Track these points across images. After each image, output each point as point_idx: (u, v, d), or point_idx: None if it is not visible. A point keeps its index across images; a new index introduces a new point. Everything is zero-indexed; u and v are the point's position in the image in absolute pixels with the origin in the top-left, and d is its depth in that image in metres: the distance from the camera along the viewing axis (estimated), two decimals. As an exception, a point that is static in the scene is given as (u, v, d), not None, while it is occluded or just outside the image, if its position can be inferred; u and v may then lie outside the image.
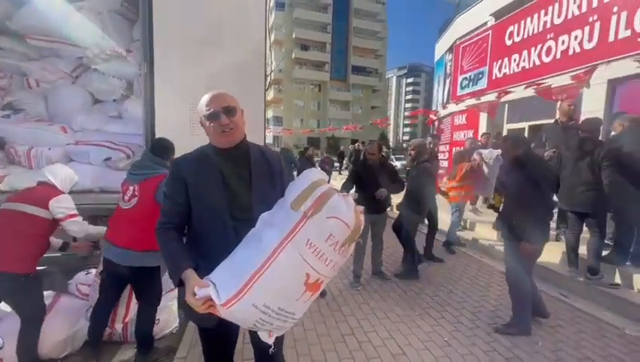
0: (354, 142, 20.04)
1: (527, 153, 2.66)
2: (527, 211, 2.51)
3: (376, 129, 43.32)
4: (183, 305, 1.17)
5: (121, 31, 3.83)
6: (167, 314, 2.66)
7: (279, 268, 1.06)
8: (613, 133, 3.77)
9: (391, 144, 45.60)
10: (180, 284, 1.15)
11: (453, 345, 2.48)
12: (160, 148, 2.35)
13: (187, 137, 3.50)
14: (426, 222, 4.39)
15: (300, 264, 1.09)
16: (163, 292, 2.64)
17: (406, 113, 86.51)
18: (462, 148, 6.62)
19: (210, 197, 1.27)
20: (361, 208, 1.22)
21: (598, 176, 3.04)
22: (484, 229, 5.37)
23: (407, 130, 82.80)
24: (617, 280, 3.33)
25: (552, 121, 9.05)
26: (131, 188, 2.13)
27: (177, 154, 3.35)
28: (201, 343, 1.44)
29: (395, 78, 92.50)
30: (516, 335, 2.59)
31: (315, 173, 1.23)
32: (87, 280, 2.67)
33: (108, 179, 3.20)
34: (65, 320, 2.41)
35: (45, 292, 2.64)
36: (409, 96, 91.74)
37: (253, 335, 1.29)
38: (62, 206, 2.15)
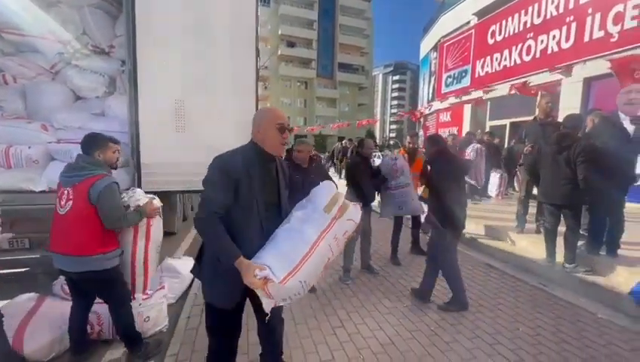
0: (340, 139, 20.13)
1: (442, 151, 3.04)
2: (443, 201, 2.85)
3: (364, 126, 43.67)
4: (204, 288, 1.64)
5: (103, 26, 3.74)
6: (157, 313, 2.64)
7: (318, 255, 1.50)
8: (587, 128, 3.95)
9: (378, 141, 45.86)
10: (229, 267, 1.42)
11: (439, 334, 2.57)
12: (88, 144, 2.13)
13: (172, 134, 3.52)
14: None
15: (327, 251, 1.56)
16: (152, 291, 2.65)
17: (392, 110, 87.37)
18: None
19: (254, 192, 1.52)
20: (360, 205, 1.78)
21: (574, 170, 3.19)
22: (468, 222, 5.51)
23: (394, 126, 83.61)
24: (591, 267, 3.51)
25: (531, 117, 9.39)
26: (66, 191, 2.01)
27: (161, 151, 3.39)
28: (211, 326, 1.67)
29: (381, 75, 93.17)
30: (459, 311, 2.91)
31: (333, 185, 1.75)
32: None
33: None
34: (51, 322, 2.36)
35: (28, 295, 2.60)
36: (395, 94, 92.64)
37: (257, 309, 1.58)
38: None
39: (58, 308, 2.50)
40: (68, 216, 1.99)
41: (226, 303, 1.55)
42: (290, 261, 1.43)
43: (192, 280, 3.51)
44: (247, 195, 1.50)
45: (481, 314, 2.87)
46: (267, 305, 1.42)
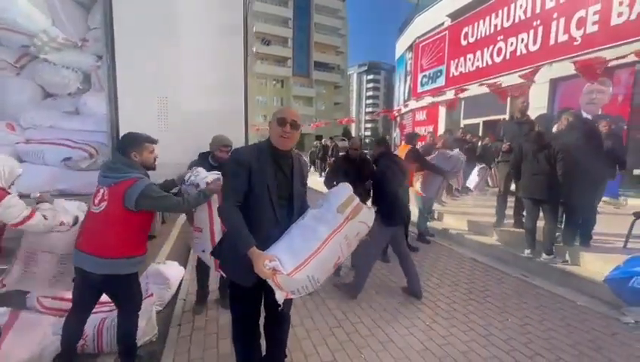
0: (318, 138, 20.14)
1: (384, 153, 3.35)
2: (384, 198, 3.10)
3: (340, 125, 43.83)
4: (223, 268, 1.83)
5: (75, 18, 3.47)
6: (146, 321, 2.50)
7: (327, 252, 1.54)
8: (555, 127, 4.18)
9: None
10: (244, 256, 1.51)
11: (434, 329, 2.63)
12: (124, 144, 2.10)
13: (155, 133, 3.30)
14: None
15: (337, 250, 1.60)
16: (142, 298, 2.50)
17: (367, 109, 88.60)
18: (425, 143, 6.94)
19: (267, 185, 1.60)
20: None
21: (553, 166, 3.37)
22: (452, 219, 5.71)
23: (369, 125, 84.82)
24: (567, 258, 3.73)
25: (503, 116, 9.83)
26: (101, 191, 1.96)
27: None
28: (235, 304, 1.76)
29: (355, 74, 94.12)
30: (347, 294, 3.16)
31: (349, 187, 1.79)
32: (51, 292, 2.42)
33: (69, 181, 2.92)
34: (28, 338, 2.17)
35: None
36: (370, 93, 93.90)
37: (267, 296, 1.65)
38: (12, 210, 1.88)
39: (34, 323, 2.31)
40: (100, 216, 1.93)
41: (247, 281, 1.60)
42: (299, 255, 1.49)
43: (179, 285, 3.37)
44: (259, 184, 1.60)
45: (472, 307, 2.96)
46: (280, 296, 1.48)
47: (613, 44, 6.66)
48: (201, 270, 2.95)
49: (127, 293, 2.08)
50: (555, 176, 3.38)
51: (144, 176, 2.03)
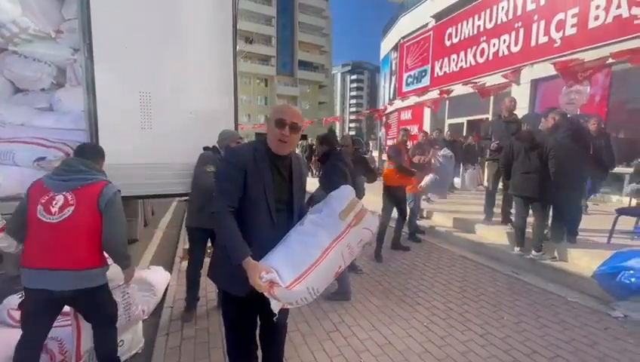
0: (303, 137, 19.98)
1: (330, 151, 3.23)
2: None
3: (325, 125, 43.66)
4: (214, 277, 1.61)
5: (48, 7, 3.24)
6: (132, 334, 2.35)
7: (328, 261, 1.42)
8: (541, 125, 4.25)
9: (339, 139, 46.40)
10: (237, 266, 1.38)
11: (432, 329, 2.59)
12: (95, 152, 2.06)
13: (137, 131, 3.15)
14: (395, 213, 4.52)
15: (339, 259, 1.48)
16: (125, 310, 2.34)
17: (351, 109, 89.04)
18: (416, 142, 6.97)
19: (263, 189, 1.48)
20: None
21: (544, 165, 3.42)
22: (441, 217, 5.75)
23: (353, 125, 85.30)
24: (555, 254, 3.80)
25: (486, 116, 10.02)
26: (61, 196, 1.74)
27: (130, 150, 3.03)
28: (228, 313, 1.62)
29: (339, 74, 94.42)
30: (341, 301, 3.03)
31: (352, 190, 1.64)
32: (24, 305, 2.22)
33: (42, 183, 2.70)
34: (-2, 355, 1.98)
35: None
36: (353, 93, 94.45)
37: (263, 304, 1.44)
38: None
39: (6, 337, 2.11)
40: (66, 224, 1.71)
41: (240, 291, 1.48)
42: (299, 266, 1.38)
43: (165, 292, 3.20)
44: (255, 188, 1.48)
45: (467, 306, 2.95)
46: (275, 306, 1.38)
47: (591, 46, 6.89)
48: (191, 276, 2.80)
49: (103, 307, 1.91)
50: (546, 174, 3.43)
51: (111, 182, 1.91)
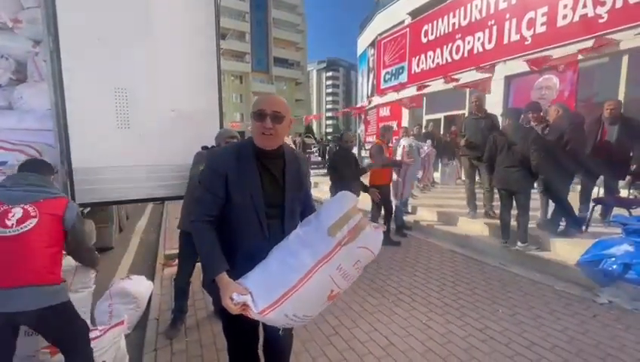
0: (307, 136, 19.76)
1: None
2: None
3: (303, 122, 43.53)
4: (210, 287, 1.41)
5: (3, -6, 2.91)
6: (115, 353, 2.14)
7: (311, 286, 1.19)
8: (548, 117, 4.35)
9: (316, 136, 46.41)
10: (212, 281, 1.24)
11: (432, 327, 2.57)
12: (47, 167, 1.97)
13: (112, 130, 2.90)
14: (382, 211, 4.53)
15: (328, 283, 1.23)
16: (108, 326, 2.14)
17: (327, 106, 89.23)
18: (398, 138, 7.03)
19: (249, 194, 1.32)
20: (384, 227, 1.41)
21: (527, 158, 3.51)
22: (426, 212, 5.81)
23: (330, 122, 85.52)
24: (539, 245, 3.92)
25: (462, 112, 10.28)
26: (20, 208, 1.59)
27: (105, 152, 2.79)
28: (228, 329, 1.47)
29: (315, 71, 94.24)
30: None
31: (350, 198, 1.34)
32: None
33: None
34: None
35: None
36: (329, 90, 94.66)
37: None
38: None
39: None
40: (28, 237, 1.55)
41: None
42: (273, 291, 1.18)
43: (149, 302, 2.99)
44: (239, 193, 1.32)
45: (463, 301, 2.97)
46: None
47: (560, 43, 7.21)
48: (180, 284, 2.61)
49: (73, 326, 1.71)
50: (529, 167, 3.53)
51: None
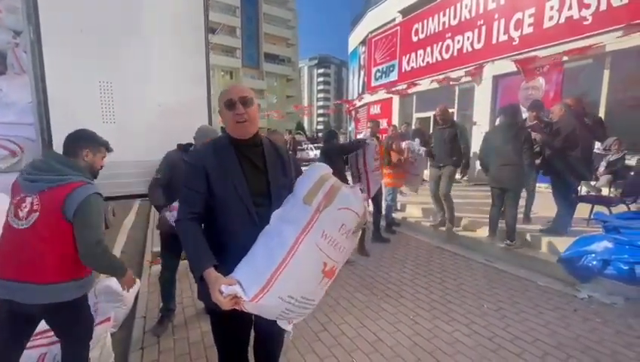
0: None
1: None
2: None
3: (293, 119, 43.51)
4: (201, 294, 1.32)
5: (-20, -19, 2.80)
6: (100, 350, 2.11)
7: (299, 260, 1.15)
8: (551, 116, 4.37)
9: (307, 133, 46.30)
10: (201, 279, 1.19)
11: (419, 322, 2.62)
12: (75, 140, 1.74)
13: (98, 126, 2.80)
14: (371, 207, 4.55)
15: (317, 254, 1.19)
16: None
17: (319, 103, 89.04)
18: (387, 136, 7.05)
19: (232, 184, 1.31)
20: (365, 195, 1.38)
21: (519, 157, 3.59)
22: (414, 209, 5.88)
23: (321, 119, 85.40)
24: (522, 242, 4.02)
25: (452, 110, 10.39)
26: (29, 199, 1.51)
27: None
28: (216, 331, 1.46)
29: (306, 68, 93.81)
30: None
31: (321, 167, 1.36)
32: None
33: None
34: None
35: None
36: (321, 87, 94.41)
37: (257, 320, 1.33)
38: None
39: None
40: (30, 232, 1.49)
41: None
42: (261, 273, 1.13)
43: (136, 300, 2.95)
44: (222, 184, 1.31)
45: (450, 297, 3.02)
46: (283, 323, 1.28)
47: (546, 44, 7.36)
48: (166, 281, 2.58)
49: (74, 323, 1.68)
50: (521, 165, 3.61)
51: (92, 183, 1.64)
